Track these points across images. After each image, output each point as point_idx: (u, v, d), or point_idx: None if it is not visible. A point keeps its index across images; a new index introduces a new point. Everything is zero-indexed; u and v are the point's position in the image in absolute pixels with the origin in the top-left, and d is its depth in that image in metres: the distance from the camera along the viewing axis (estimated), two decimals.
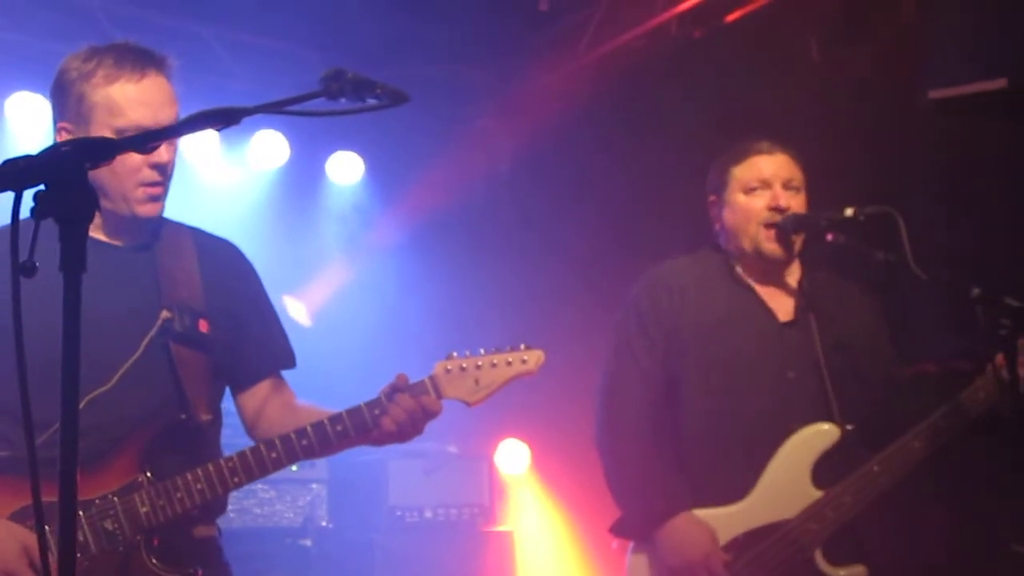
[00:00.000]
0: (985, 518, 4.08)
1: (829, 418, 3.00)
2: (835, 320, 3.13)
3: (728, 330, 3.15)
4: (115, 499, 2.44)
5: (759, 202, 3.15)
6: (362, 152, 6.42)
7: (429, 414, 2.57)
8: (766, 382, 3.06)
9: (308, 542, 5.09)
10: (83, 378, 2.42)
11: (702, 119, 5.14)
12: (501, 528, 5.77)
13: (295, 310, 6.15)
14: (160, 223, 2.67)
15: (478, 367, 2.67)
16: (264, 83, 5.42)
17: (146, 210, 2.57)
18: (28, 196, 1.43)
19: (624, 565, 3.13)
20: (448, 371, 2.65)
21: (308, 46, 5.64)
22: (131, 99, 2.49)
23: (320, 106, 2.01)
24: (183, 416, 2.54)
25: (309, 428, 2.54)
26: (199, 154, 5.95)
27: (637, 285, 3.26)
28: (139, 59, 2.54)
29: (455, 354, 2.68)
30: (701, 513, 3.02)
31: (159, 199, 2.58)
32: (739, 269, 3.21)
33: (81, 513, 2.41)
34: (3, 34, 5.30)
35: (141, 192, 2.54)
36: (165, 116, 2.52)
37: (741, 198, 3.18)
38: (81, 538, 2.40)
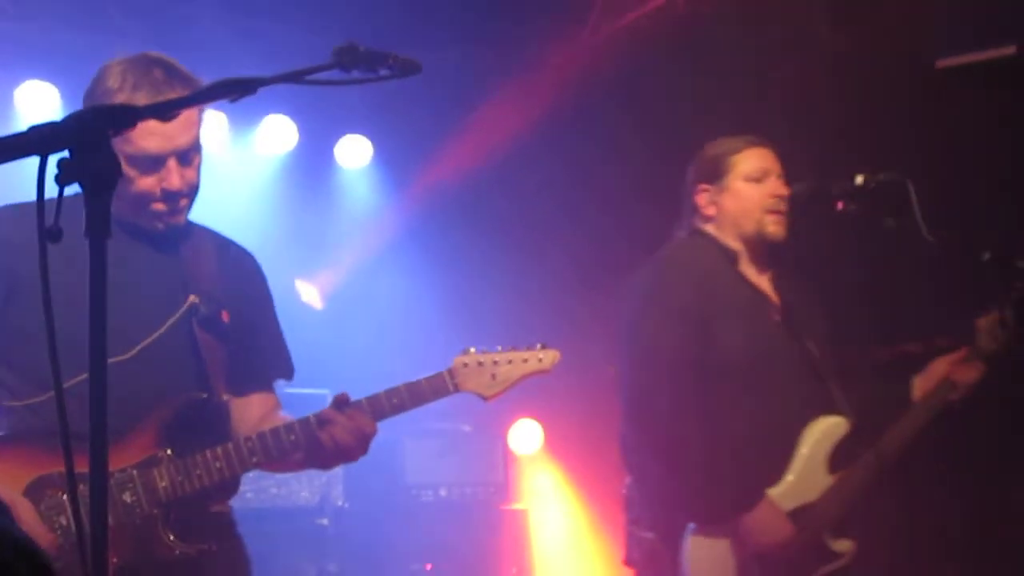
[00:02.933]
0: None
1: (834, 409, 3.28)
2: (809, 320, 3.40)
3: (740, 323, 3.28)
4: (134, 472, 2.48)
5: (763, 189, 3.35)
6: (370, 136, 6.43)
7: (367, 435, 2.60)
8: (778, 377, 3.27)
9: (325, 521, 5.12)
10: None
11: (711, 97, 5.14)
12: (516, 507, 5.80)
13: (307, 293, 6.18)
14: (186, 223, 2.72)
15: (495, 363, 2.77)
16: (270, 68, 5.41)
17: (162, 225, 2.62)
18: (52, 163, 1.44)
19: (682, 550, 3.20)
20: (466, 365, 2.73)
21: (313, 31, 5.65)
22: (142, 128, 2.45)
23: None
24: (204, 395, 2.59)
25: (323, 413, 2.58)
26: (208, 140, 5.94)
27: (648, 272, 3.37)
28: (157, 83, 2.52)
29: (473, 349, 2.77)
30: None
31: (175, 215, 2.62)
32: (741, 264, 3.40)
33: None
34: (13, 23, 5.31)
35: (153, 209, 2.58)
36: (183, 141, 2.53)
37: (745, 186, 3.36)
38: None
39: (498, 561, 5.46)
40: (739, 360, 3.22)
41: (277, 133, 6.15)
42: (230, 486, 2.69)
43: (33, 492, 2.43)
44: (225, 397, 2.68)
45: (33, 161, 1.43)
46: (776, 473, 3.23)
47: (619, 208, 5.79)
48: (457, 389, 2.73)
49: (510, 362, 2.78)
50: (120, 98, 2.50)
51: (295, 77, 1.90)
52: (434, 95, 6.19)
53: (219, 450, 2.53)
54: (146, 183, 2.53)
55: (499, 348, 2.80)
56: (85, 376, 2.44)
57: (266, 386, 2.85)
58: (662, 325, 3.22)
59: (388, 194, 6.48)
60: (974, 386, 3.33)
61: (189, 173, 2.58)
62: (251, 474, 4.91)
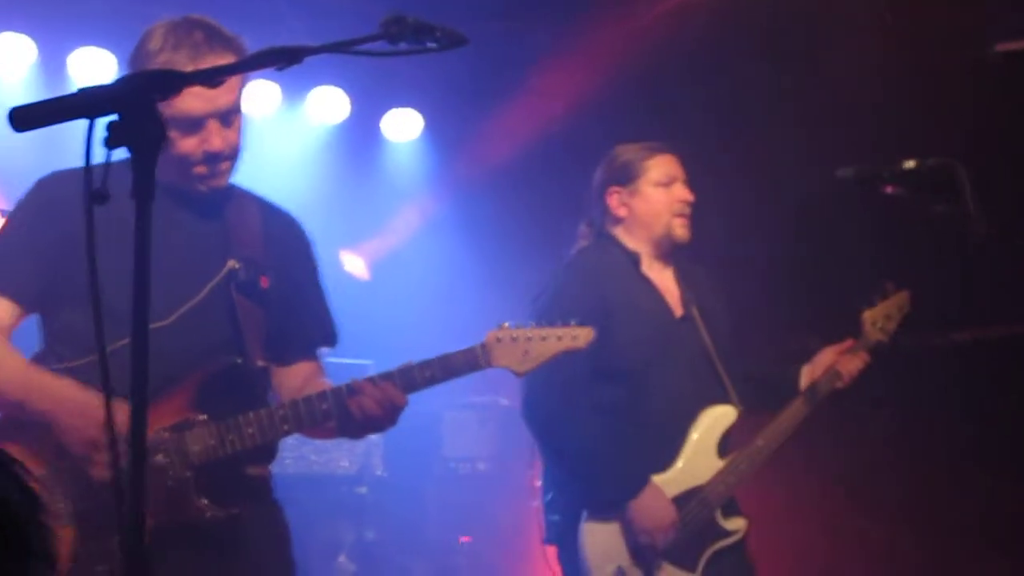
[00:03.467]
0: None
1: (727, 400, 3.59)
2: (711, 312, 3.69)
3: (640, 319, 3.52)
4: (167, 434, 2.50)
5: (671, 194, 3.64)
6: (420, 109, 6.44)
7: (396, 407, 2.60)
8: (674, 370, 3.56)
9: (364, 490, 5.17)
10: None
11: (766, 78, 5.09)
12: None
13: (352, 264, 6.22)
14: (229, 187, 2.72)
15: (528, 339, 2.75)
16: (320, 38, 5.42)
17: (205, 187, 2.63)
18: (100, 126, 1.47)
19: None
20: (499, 340, 2.72)
21: (369, 1, 5.65)
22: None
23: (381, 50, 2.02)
24: (239, 360, 2.59)
25: (355, 383, 2.59)
26: (259, 109, 6.01)
27: (557, 273, 3.63)
28: (197, 45, 2.52)
29: (507, 324, 2.75)
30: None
31: (216, 177, 2.62)
32: (643, 265, 3.66)
33: None
34: None
35: (195, 172, 2.59)
36: (224, 102, 2.53)
37: (656, 190, 3.64)
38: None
39: (534, 534, 5.48)
40: (634, 358, 3.47)
41: (328, 104, 6.17)
42: (266, 451, 2.69)
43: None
44: (262, 363, 2.67)
45: (82, 124, 1.45)
46: (667, 460, 3.51)
47: None
48: (489, 364, 2.72)
49: (544, 338, 2.77)
50: (161, 59, 2.51)
51: (342, 47, 1.91)
52: (485, 70, 6.18)
53: (252, 416, 2.54)
54: (188, 145, 2.54)
55: (532, 324, 2.79)
56: (125, 341, 2.51)
57: (309, 353, 2.85)
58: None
59: (436, 167, 6.49)
60: (859, 375, 3.63)
61: (231, 135, 2.58)
62: (291, 441, 5.04)
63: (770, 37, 4.99)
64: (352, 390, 2.59)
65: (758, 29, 5.10)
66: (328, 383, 2.77)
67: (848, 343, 3.67)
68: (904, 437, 4.96)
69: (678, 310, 3.66)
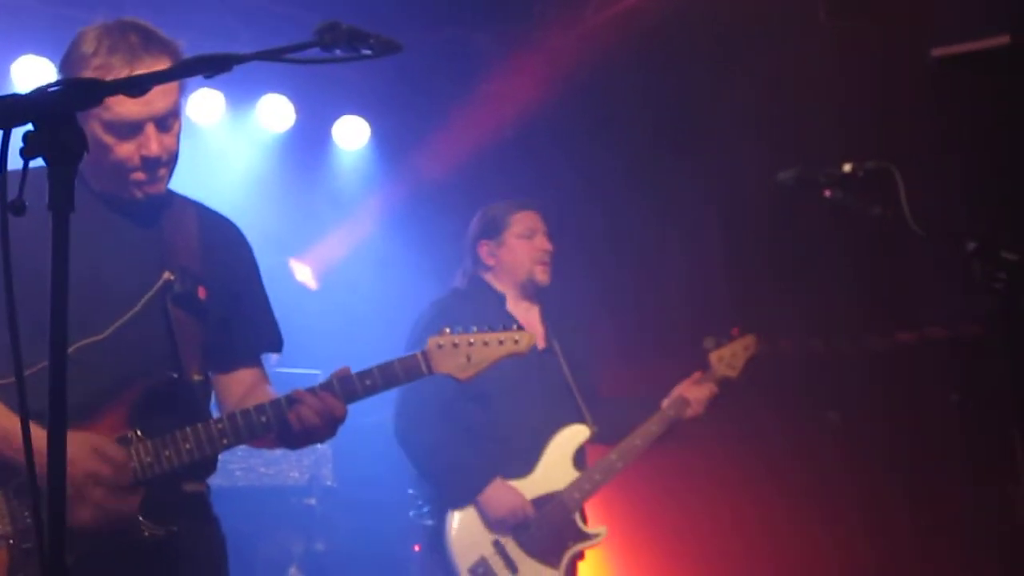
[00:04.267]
0: None
1: (582, 421, 4.17)
2: (570, 347, 4.27)
3: None
4: None
5: (533, 244, 4.25)
6: (368, 117, 6.41)
7: (336, 417, 2.57)
8: (535, 394, 4.11)
9: (313, 501, 5.13)
10: (77, 325, 2.43)
11: (709, 81, 5.13)
12: None
13: (302, 273, 6.17)
14: (167, 194, 2.68)
15: (470, 344, 2.76)
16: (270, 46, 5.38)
17: (141, 193, 2.58)
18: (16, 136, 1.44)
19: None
20: (440, 346, 2.73)
21: (315, 11, 5.59)
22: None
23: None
24: (175, 375, 2.55)
25: (295, 393, 2.56)
26: (205, 118, 5.95)
27: (425, 312, 4.16)
28: (133, 48, 2.47)
29: (448, 330, 2.76)
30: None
31: (153, 183, 2.57)
32: (508, 304, 4.22)
33: None
34: None
35: (133, 178, 2.54)
36: (161, 107, 2.48)
37: (519, 241, 4.25)
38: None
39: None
40: (497, 384, 3.77)
41: (275, 112, 6.13)
42: (205, 466, 2.65)
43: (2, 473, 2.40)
44: (199, 377, 2.63)
45: None
46: (525, 470, 4.06)
47: (613, 195, 5.78)
48: (431, 371, 2.71)
49: (485, 344, 2.78)
50: (95, 63, 2.45)
51: (275, 55, 1.88)
52: (432, 77, 6.17)
53: (189, 431, 2.50)
54: (124, 150, 2.50)
55: (474, 329, 2.79)
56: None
57: (252, 361, 2.82)
58: None
59: (384, 175, 6.46)
60: (707, 402, 4.22)
61: (168, 139, 2.54)
62: (240, 452, 5.00)
63: (716, 38, 5.03)
64: (292, 400, 2.56)
65: (702, 34, 5.13)
66: (270, 391, 2.75)
67: (696, 375, 4.25)
68: (853, 442, 5.02)
69: (541, 343, 4.18)
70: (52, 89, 1.46)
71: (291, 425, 2.55)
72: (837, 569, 5.05)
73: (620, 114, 5.70)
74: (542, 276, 4.24)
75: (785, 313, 5.03)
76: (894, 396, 4.86)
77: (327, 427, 2.58)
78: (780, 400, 5.21)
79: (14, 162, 1.45)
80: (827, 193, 3.03)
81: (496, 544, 3.98)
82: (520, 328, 2.87)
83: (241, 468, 4.97)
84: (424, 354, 2.71)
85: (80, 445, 2.37)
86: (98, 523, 2.38)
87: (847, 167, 2.95)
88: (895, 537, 4.90)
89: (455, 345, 2.74)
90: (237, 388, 2.78)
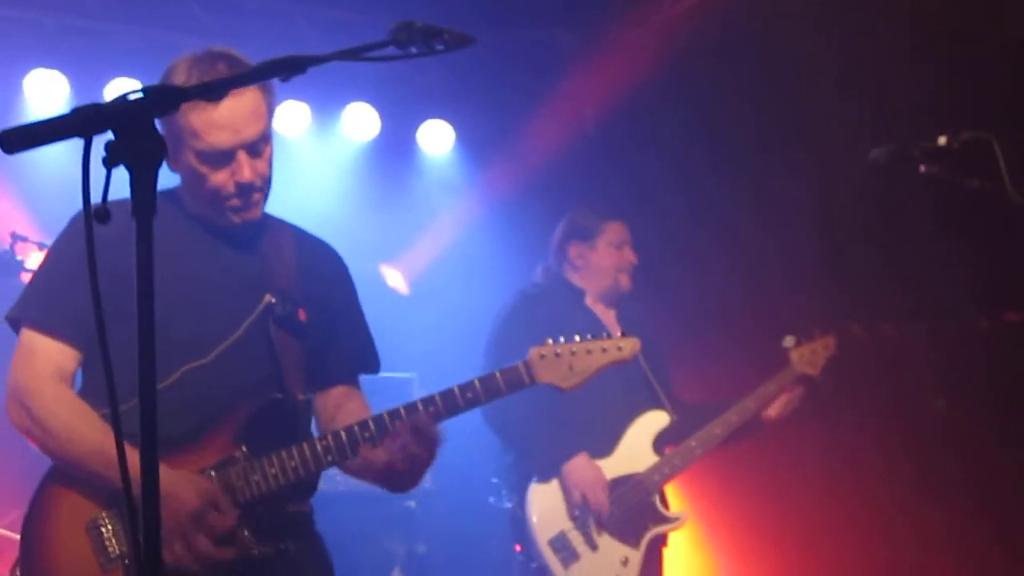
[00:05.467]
0: None
1: (662, 408, 4.32)
2: (648, 343, 4.14)
3: None
4: (212, 473, 2.48)
5: (621, 255, 4.46)
6: (452, 120, 6.44)
7: (432, 439, 2.51)
8: (614, 385, 4.03)
9: (413, 504, 5.17)
10: (183, 350, 2.52)
11: (793, 67, 5.01)
12: None
13: (393, 279, 6.22)
14: (264, 218, 2.71)
15: (573, 353, 2.73)
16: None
17: (239, 219, 2.61)
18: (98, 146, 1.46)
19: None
20: (543, 357, 2.70)
21: (394, 16, 5.64)
22: (209, 123, 2.49)
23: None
24: (279, 396, 2.57)
25: (402, 409, 2.55)
26: (292, 130, 6.04)
27: (507, 304, 4.34)
28: (223, 76, 2.49)
29: (550, 340, 2.73)
30: None
31: (249, 209, 2.60)
32: (587, 299, 4.44)
33: None
34: (21, 12, 5.35)
35: (229, 205, 2.58)
36: (250, 133, 2.52)
37: (609, 249, 4.47)
38: None
39: None
40: None
41: (359, 121, 6.20)
42: (307, 486, 2.67)
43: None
44: (303, 397, 2.65)
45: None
46: (606, 451, 4.19)
47: (699, 191, 5.69)
48: (534, 381, 2.69)
49: (589, 352, 2.74)
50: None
51: (351, 55, 1.88)
52: (513, 78, 6.18)
53: (294, 450, 2.51)
54: (219, 179, 2.54)
55: (577, 338, 2.74)
56: (173, 379, 2.48)
57: (348, 380, 2.83)
58: (511, 348, 3.50)
59: (471, 178, 6.48)
60: (789, 397, 4.31)
61: (260, 165, 2.57)
62: None
63: (797, 22, 4.92)
64: (397, 416, 2.54)
65: (781, 26, 5.02)
66: (364, 407, 2.76)
67: (778, 373, 4.33)
68: (961, 427, 4.86)
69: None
70: (132, 97, 1.47)
71: (392, 455, 2.51)
72: (952, 557, 4.90)
73: (704, 105, 5.61)
74: (626, 283, 4.47)
75: (886, 299, 4.90)
76: (1002, 378, 4.68)
77: (428, 450, 2.53)
78: (884, 388, 5.07)
79: (97, 172, 1.47)
80: (922, 168, 2.94)
81: (576, 520, 4.08)
82: (624, 335, 2.81)
83: (342, 474, 4.99)
84: (526, 364, 2.69)
85: (184, 485, 2.40)
86: (204, 571, 2.40)
87: (942, 140, 2.86)
88: (1009, 522, 4.73)
89: (557, 355, 2.71)
90: (329, 403, 2.79)
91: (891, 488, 5.04)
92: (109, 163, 1.44)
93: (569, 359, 2.71)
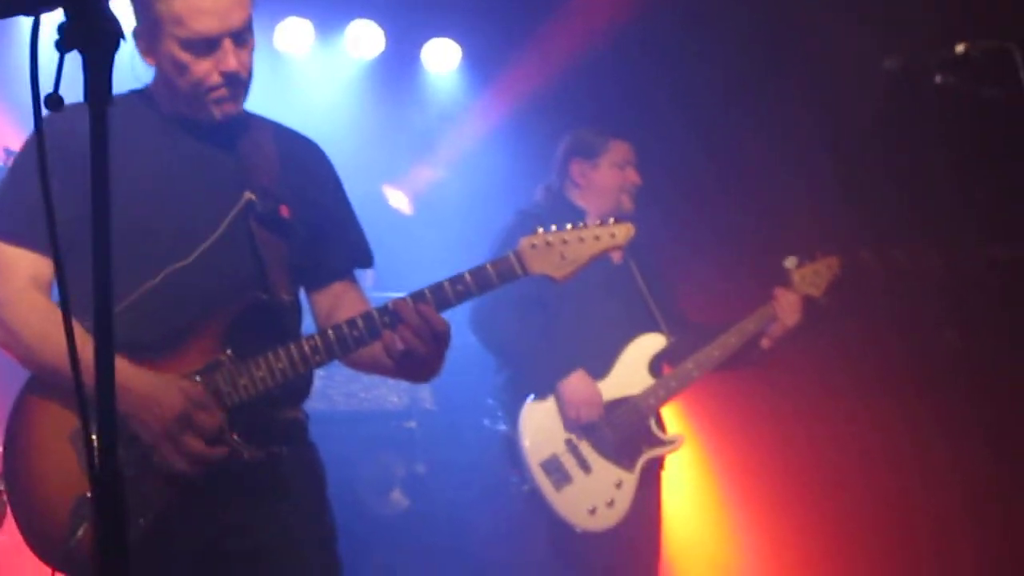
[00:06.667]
0: None
1: (658, 330, 4.28)
2: (647, 265, 4.38)
3: None
4: (198, 378, 2.43)
5: (624, 176, 4.34)
6: (458, 38, 6.29)
7: (436, 331, 2.45)
8: (610, 305, 4.21)
9: (413, 424, 5.16)
10: (165, 251, 2.47)
11: None
12: None
13: (395, 199, 6.14)
14: (244, 115, 2.64)
15: (564, 242, 2.61)
16: None
17: (220, 113, 2.54)
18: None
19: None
20: (534, 246, 2.59)
21: None
22: (192, 8, 2.41)
23: None
24: (264, 296, 2.51)
25: (390, 304, 2.48)
26: (294, 48, 5.92)
27: (508, 221, 4.24)
28: None
29: (540, 229, 2.62)
30: None
31: (232, 101, 2.53)
32: (588, 220, 4.23)
33: None
34: None
35: (213, 96, 2.50)
36: (236, 20, 2.44)
37: (612, 169, 4.35)
38: None
39: None
40: (573, 290, 3.77)
41: (363, 38, 6.06)
42: (299, 390, 2.63)
43: None
44: (288, 297, 2.59)
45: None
46: (600, 373, 4.13)
47: (719, 104, 5.55)
48: (526, 272, 2.58)
49: (581, 240, 2.62)
50: None
51: None
52: None
53: (281, 351, 2.47)
54: (202, 68, 2.46)
55: (568, 227, 2.64)
56: (153, 283, 2.43)
57: (343, 275, 2.76)
58: None
59: (476, 97, 6.34)
60: (793, 315, 4.17)
61: (244, 56, 2.50)
62: (340, 378, 5.02)
63: None
64: (385, 312, 2.48)
65: None
66: (361, 301, 2.70)
67: (778, 289, 4.22)
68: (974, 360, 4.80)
69: (617, 259, 4.26)
70: None
71: (391, 343, 2.46)
72: (959, 490, 4.86)
73: (714, 23, 5.45)
74: (628, 204, 4.33)
75: (900, 225, 4.79)
76: (1019, 310, 4.59)
77: (429, 343, 2.46)
78: (892, 315, 4.99)
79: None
80: (938, 79, 2.82)
81: (569, 443, 4.04)
82: (617, 221, 2.70)
83: (341, 393, 5.01)
84: (517, 254, 2.59)
85: (168, 388, 2.36)
86: (196, 472, 2.38)
87: (960, 48, 2.73)
88: (1020, 457, 4.68)
89: (548, 244, 2.60)
90: (326, 302, 2.74)
91: (899, 419, 4.99)
92: (63, 47, 1.36)
93: (561, 248, 2.61)
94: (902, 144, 4.79)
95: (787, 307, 4.19)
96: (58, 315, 2.44)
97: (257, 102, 2.71)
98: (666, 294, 4.43)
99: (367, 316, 2.50)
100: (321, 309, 2.74)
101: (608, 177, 4.36)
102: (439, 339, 2.48)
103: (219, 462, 2.40)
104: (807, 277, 4.24)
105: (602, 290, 4.17)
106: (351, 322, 2.49)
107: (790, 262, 4.25)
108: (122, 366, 2.38)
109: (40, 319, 2.42)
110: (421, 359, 2.49)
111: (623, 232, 2.66)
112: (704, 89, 5.54)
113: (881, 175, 4.94)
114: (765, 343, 4.23)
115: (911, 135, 4.65)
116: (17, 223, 2.47)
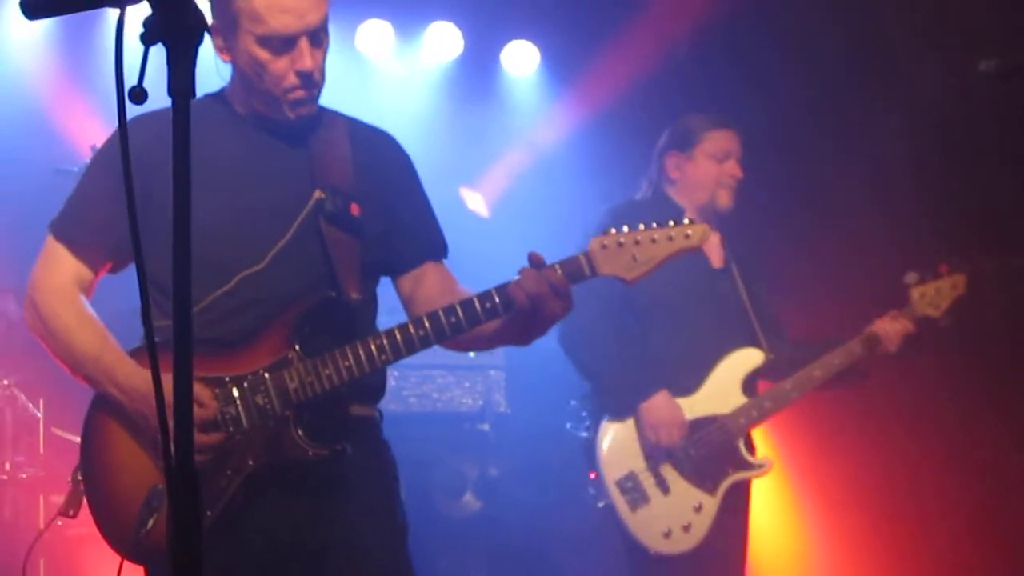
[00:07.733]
0: None
1: (757, 345, 3.97)
2: (749, 272, 4.08)
3: (677, 267, 3.36)
4: (265, 375, 2.45)
5: (723, 168, 3.98)
6: (537, 41, 6.28)
7: (556, 288, 2.42)
8: (708, 313, 3.94)
9: (486, 427, 5.14)
10: (236, 257, 2.49)
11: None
12: None
13: (473, 201, 6.14)
14: (319, 112, 2.63)
15: (636, 242, 2.53)
16: None
17: (295, 114, 2.55)
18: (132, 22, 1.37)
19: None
20: (604, 247, 2.51)
21: None
22: (272, 5, 2.42)
23: None
24: (332, 294, 2.51)
25: (458, 305, 2.46)
26: (374, 50, 5.96)
27: (595, 219, 3.90)
28: None
29: (613, 230, 2.54)
30: None
31: (307, 103, 2.54)
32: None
33: (234, 389, 2.44)
34: None
35: (290, 98, 2.51)
36: (314, 19, 2.45)
37: (709, 161, 3.99)
38: (234, 412, 2.43)
39: None
40: (669, 297, 3.80)
41: (443, 40, 6.08)
42: (372, 388, 2.62)
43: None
44: (357, 296, 2.56)
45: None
46: (690, 389, 3.88)
47: (798, 109, 5.45)
48: (595, 273, 2.51)
49: (654, 240, 2.53)
50: None
51: None
52: None
53: (348, 349, 2.46)
54: (279, 66, 2.47)
55: (641, 226, 2.55)
56: (226, 288, 2.46)
57: (420, 262, 2.71)
58: None
59: (555, 100, 6.32)
60: (901, 340, 3.88)
61: (319, 56, 2.51)
62: (413, 379, 5.03)
63: None
64: (450, 313, 2.44)
65: None
66: (443, 288, 2.66)
67: (893, 312, 3.92)
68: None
69: (717, 263, 4.02)
70: None
71: (516, 302, 2.42)
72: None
73: (801, 27, 5.36)
74: (724, 201, 3.98)
75: (990, 237, 4.63)
76: None
77: (565, 299, 2.43)
78: (1006, 330, 4.80)
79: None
80: None
81: (649, 460, 3.84)
82: (692, 221, 2.58)
83: (415, 395, 5.02)
84: (587, 255, 2.51)
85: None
86: (199, 459, 2.36)
87: None
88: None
89: (620, 244, 2.51)
90: (427, 290, 2.69)
91: (1015, 452, 4.79)
92: (147, 40, 1.36)
93: (632, 248, 2.51)
94: (990, 152, 4.64)
95: (894, 334, 3.90)
96: (88, 315, 2.54)
97: (337, 102, 2.72)
98: (768, 304, 4.11)
99: (433, 316, 2.46)
100: (405, 293, 2.73)
101: (703, 170, 3.99)
102: (565, 297, 2.46)
103: (215, 446, 2.40)
104: (927, 295, 3.92)
105: (700, 297, 3.94)
106: (417, 321, 2.47)
107: (911, 278, 3.93)
108: (123, 366, 2.45)
109: (71, 314, 2.51)
110: (545, 311, 2.45)
111: (698, 233, 2.56)
112: (785, 96, 5.44)
113: (966, 187, 4.80)
114: (878, 352, 3.94)
115: (998, 145, 4.49)
116: (73, 223, 2.56)
